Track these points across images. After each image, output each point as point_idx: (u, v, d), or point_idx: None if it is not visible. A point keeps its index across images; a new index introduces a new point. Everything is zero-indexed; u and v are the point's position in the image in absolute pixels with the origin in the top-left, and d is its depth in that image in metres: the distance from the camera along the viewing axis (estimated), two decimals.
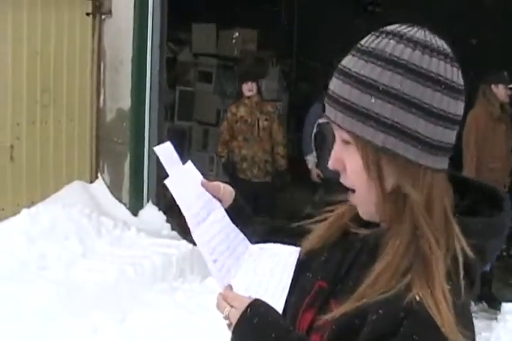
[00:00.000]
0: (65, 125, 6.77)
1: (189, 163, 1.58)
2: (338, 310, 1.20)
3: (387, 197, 1.21)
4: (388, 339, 1.11)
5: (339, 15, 9.96)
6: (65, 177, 6.72)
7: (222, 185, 1.59)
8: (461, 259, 1.16)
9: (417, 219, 1.18)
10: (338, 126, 1.21)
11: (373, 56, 1.18)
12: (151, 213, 6.92)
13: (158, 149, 1.52)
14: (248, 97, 7.10)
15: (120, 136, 7.05)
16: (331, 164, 1.26)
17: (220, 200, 1.56)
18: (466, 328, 1.13)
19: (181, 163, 1.55)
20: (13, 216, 5.69)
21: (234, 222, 1.53)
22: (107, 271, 5.20)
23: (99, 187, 6.97)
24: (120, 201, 6.96)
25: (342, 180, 1.26)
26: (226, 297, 1.32)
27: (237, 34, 9.78)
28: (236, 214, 1.55)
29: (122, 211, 6.82)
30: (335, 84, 1.22)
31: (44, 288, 4.76)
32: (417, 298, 1.12)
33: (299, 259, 1.43)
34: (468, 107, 6.37)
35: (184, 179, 1.51)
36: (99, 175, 7.09)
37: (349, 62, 1.21)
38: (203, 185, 1.54)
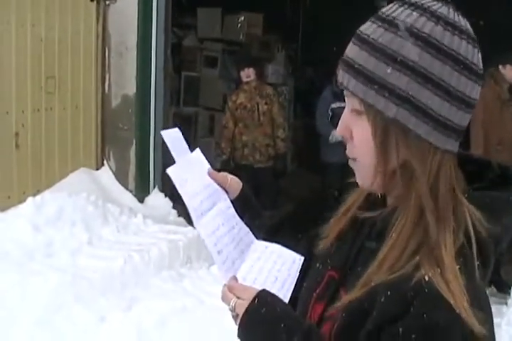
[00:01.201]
0: (70, 112, 6.74)
1: (197, 150, 1.55)
2: (346, 297, 1.19)
3: (391, 171, 1.18)
4: (398, 320, 1.09)
5: (345, 0, 9.87)
6: (71, 165, 6.70)
7: (229, 176, 1.57)
8: (473, 237, 1.14)
9: (421, 198, 1.15)
10: (351, 92, 1.17)
11: (394, 25, 1.14)
12: (158, 200, 6.91)
13: (165, 134, 1.47)
14: (246, 83, 7.08)
15: (126, 123, 7.03)
16: (339, 130, 1.23)
17: (226, 191, 1.53)
18: (480, 309, 1.09)
19: (189, 151, 1.51)
20: (19, 204, 5.67)
21: (240, 214, 1.50)
22: (114, 258, 5.19)
23: (105, 174, 6.96)
24: (126, 188, 6.95)
25: (347, 149, 1.23)
26: (232, 288, 1.30)
27: (242, 18, 9.71)
28: (242, 206, 1.53)
29: (128, 198, 6.81)
30: (351, 50, 1.18)
31: (50, 275, 4.76)
32: (426, 278, 1.09)
33: (301, 269, 1.41)
34: None
35: (190, 167, 1.47)
36: (104, 162, 7.08)
37: (368, 28, 1.17)
38: (209, 174, 1.52)
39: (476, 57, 1.15)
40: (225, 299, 1.30)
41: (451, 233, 1.14)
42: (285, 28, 10.61)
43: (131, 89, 6.97)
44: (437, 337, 1.07)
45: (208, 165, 1.53)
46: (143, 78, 6.94)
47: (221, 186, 1.53)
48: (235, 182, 1.57)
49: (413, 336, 1.07)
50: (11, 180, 6.15)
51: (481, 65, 1.16)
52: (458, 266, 1.11)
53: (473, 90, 1.16)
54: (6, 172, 6.09)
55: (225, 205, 1.48)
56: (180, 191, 1.39)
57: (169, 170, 1.41)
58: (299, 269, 1.42)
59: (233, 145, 7.17)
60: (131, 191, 6.94)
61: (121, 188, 6.92)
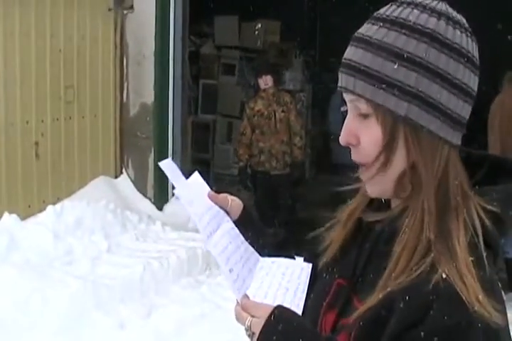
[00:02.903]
0: (89, 121, 6.80)
1: (196, 174, 1.57)
2: (364, 306, 1.16)
3: (401, 173, 1.18)
4: (419, 323, 1.08)
5: (363, 5, 9.86)
6: (90, 173, 6.75)
7: (230, 197, 1.56)
8: (479, 230, 1.13)
9: (429, 198, 1.15)
10: (358, 95, 1.17)
11: (397, 24, 1.15)
12: (176, 207, 6.93)
13: (163, 164, 1.51)
14: (264, 90, 7.10)
15: (144, 131, 7.07)
16: (343, 139, 1.21)
17: (228, 213, 1.53)
18: (494, 300, 1.09)
19: (184, 178, 1.53)
20: (39, 212, 5.73)
21: (243, 235, 1.50)
22: (133, 265, 5.22)
23: (124, 182, 7.00)
24: (145, 195, 6.99)
25: (353, 156, 1.22)
26: (246, 307, 1.28)
27: (259, 25, 9.73)
28: (245, 226, 1.52)
29: (147, 205, 6.85)
30: (353, 53, 1.18)
31: (70, 283, 4.79)
32: (443, 276, 1.09)
33: (310, 276, 1.40)
34: (495, 93, 6.29)
35: (191, 192, 1.49)
36: (123, 170, 7.12)
37: (369, 30, 1.18)
38: (210, 197, 1.51)
39: (475, 49, 1.18)
40: (239, 319, 1.28)
41: (463, 227, 1.14)
42: (302, 35, 10.62)
43: (149, 97, 7.02)
44: (460, 337, 1.07)
45: (207, 188, 1.54)
46: (161, 86, 6.99)
47: (222, 208, 1.52)
48: (236, 204, 1.56)
49: (436, 339, 1.07)
50: (31, 188, 6.21)
51: (477, 57, 1.18)
52: (471, 259, 1.11)
53: (475, 82, 1.18)
54: (26, 181, 6.15)
55: (228, 226, 1.48)
56: (189, 211, 1.42)
57: (177, 192, 1.44)
58: (308, 275, 1.41)
59: (250, 152, 7.18)
60: (149, 199, 6.97)
61: (140, 196, 6.96)
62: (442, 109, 1.14)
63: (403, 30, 1.14)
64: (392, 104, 1.14)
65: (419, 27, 1.14)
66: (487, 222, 1.15)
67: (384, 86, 1.14)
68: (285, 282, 1.40)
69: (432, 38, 1.13)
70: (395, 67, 1.13)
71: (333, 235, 1.36)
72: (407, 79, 1.13)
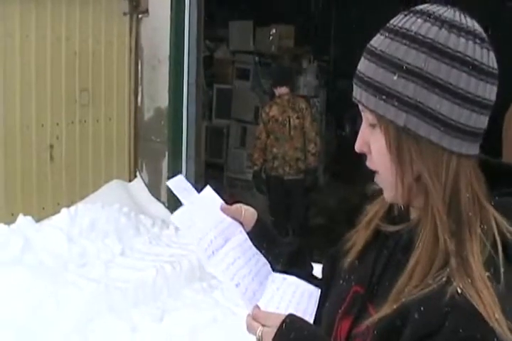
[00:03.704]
0: (104, 124, 6.82)
1: (208, 188, 1.58)
2: (377, 314, 1.16)
3: (410, 183, 1.18)
4: (434, 335, 1.07)
5: (377, 10, 9.86)
6: (104, 176, 6.78)
7: (244, 207, 1.56)
8: (499, 245, 1.12)
9: (437, 211, 1.14)
10: (363, 105, 1.19)
11: (399, 35, 1.15)
12: None
13: (171, 183, 1.52)
14: (279, 96, 7.10)
15: (158, 135, 7.09)
16: (358, 147, 1.23)
17: (242, 223, 1.53)
18: (510, 319, 1.07)
19: (196, 193, 1.54)
20: (53, 215, 5.75)
21: (257, 245, 1.50)
22: (146, 269, 5.23)
23: (138, 185, 7.02)
24: (158, 199, 6.99)
25: (367, 162, 1.24)
26: (257, 316, 1.29)
27: (274, 30, 9.72)
28: (259, 236, 1.53)
29: (161, 209, 6.85)
30: (362, 64, 1.20)
31: (84, 286, 4.81)
32: (459, 290, 1.07)
33: (318, 304, 1.40)
34: (510, 101, 6.23)
35: (200, 207, 1.50)
36: (137, 173, 7.14)
37: (376, 41, 1.19)
38: (222, 209, 1.52)
39: (485, 56, 1.14)
40: (250, 329, 1.29)
41: (479, 241, 1.12)
42: (317, 40, 10.62)
43: (163, 101, 7.04)
44: None
45: (220, 201, 1.55)
46: (175, 91, 7.00)
47: (236, 219, 1.53)
48: (249, 214, 1.56)
49: None
50: (45, 191, 6.24)
51: (492, 63, 1.15)
52: (487, 274, 1.10)
53: (485, 90, 1.14)
54: (40, 183, 6.18)
55: (240, 238, 1.49)
56: (188, 235, 1.44)
57: (173, 218, 1.47)
58: (317, 302, 1.41)
59: (265, 156, 7.18)
60: (163, 203, 6.98)
61: (154, 200, 6.97)
62: (442, 119, 1.13)
63: (404, 41, 1.14)
64: (392, 114, 1.14)
65: (420, 37, 1.13)
66: (509, 235, 1.13)
67: (384, 97, 1.15)
68: (295, 303, 1.41)
69: (432, 48, 1.12)
70: (395, 78, 1.13)
71: (352, 243, 1.35)
72: (405, 90, 1.13)
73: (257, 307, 1.32)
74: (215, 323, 4.66)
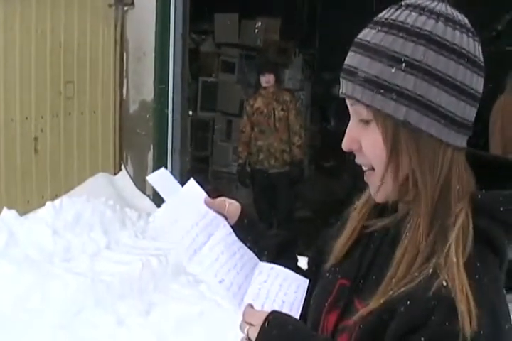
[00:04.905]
0: (89, 117, 6.79)
1: (191, 181, 1.54)
2: (364, 309, 1.16)
3: (404, 177, 1.17)
4: (420, 329, 1.07)
5: (362, 4, 9.86)
6: (89, 170, 6.74)
7: (227, 201, 1.54)
8: (484, 237, 1.13)
9: (429, 203, 1.14)
10: (357, 100, 1.16)
11: (394, 27, 1.14)
12: None
13: (152, 178, 1.49)
14: (265, 88, 7.10)
15: (143, 128, 7.07)
16: (346, 145, 1.20)
17: (226, 217, 1.51)
18: (486, 311, 1.07)
19: (180, 186, 1.51)
20: (38, 208, 5.72)
21: (242, 238, 1.48)
22: (132, 262, 5.21)
23: (123, 178, 6.99)
24: (144, 192, 6.97)
25: (357, 159, 1.22)
26: (244, 315, 1.28)
27: (259, 24, 9.71)
28: (243, 229, 1.51)
29: (146, 202, 6.83)
30: (352, 58, 1.17)
31: (69, 279, 4.78)
32: (444, 283, 1.08)
33: (306, 293, 1.40)
34: (497, 94, 6.22)
35: (183, 203, 1.48)
36: (122, 166, 7.11)
37: (367, 34, 1.17)
38: (206, 203, 1.49)
39: (477, 49, 1.15)
40: (241, 328, 1.28)
41: (465, 233, 1.12)
42: (302, 33, 10.62)
43: (148, 94, 7.02)
44: None
45: (203, 194, 1.51)
46: (160, 83, 6.98)
47: (220, 213, 1.51)
48: (233, 207, 1.53)
49: None
50: (30, 184, 6.20)
51: (481, 57, 1.16)
52: (472, 266, 1.10)
53: (478, 83, 1.15)
54: (25, 176, 6.14)
55: (224, 232, 1.47)
56: (171, 234, 1.42)
57: (154, 219, 1.45)
58: (305, 292, 1.40)
59: (249, 150, 7.18)
60: (148, 196, 6.96)
61: (139, 193, 6.95)
62: (443, 112, 1.12)
63: (400, 34, 1.13)
64: (390, 108, 1.13)
65: (417, 29, 1.12)
66: (493, 227, 1.14)
67: (382, 91, 1.13)
68: (282, 294, 1.39)
69: (430, 40, 1.12)
70: (393, 71, 1.12)
71: (338, 246, 1.33)
72: (405, 83, 1.12)
73: (249, 305, 1.31)
74: (202, 316, 4.65)
